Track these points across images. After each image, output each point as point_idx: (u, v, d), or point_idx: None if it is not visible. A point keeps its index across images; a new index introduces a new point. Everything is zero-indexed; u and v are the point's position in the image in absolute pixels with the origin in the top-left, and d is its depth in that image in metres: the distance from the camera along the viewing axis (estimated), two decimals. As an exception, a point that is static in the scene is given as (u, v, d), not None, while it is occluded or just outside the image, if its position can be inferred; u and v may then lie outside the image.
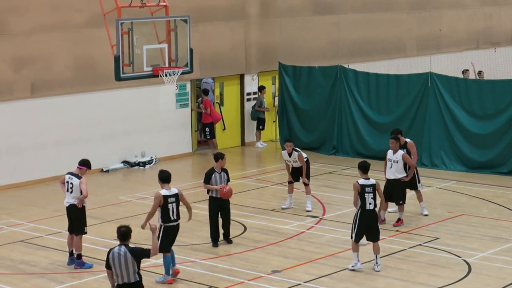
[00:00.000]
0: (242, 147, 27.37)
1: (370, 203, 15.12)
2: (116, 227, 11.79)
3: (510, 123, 22.46)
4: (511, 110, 22.43)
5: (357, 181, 15.23)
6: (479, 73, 29.49)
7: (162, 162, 24.88)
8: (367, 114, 24.95)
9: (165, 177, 14.83)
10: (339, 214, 19.01)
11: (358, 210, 15.17)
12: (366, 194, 15.10)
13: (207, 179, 16.65)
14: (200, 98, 26.29)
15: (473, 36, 34.23)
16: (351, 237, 15.34)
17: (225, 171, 16.84)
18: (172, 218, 14.69)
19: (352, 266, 15.28)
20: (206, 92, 26.17)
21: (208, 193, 16.83)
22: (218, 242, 16.89)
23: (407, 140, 18.69)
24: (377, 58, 29.97)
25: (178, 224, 14.86)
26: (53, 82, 22.71)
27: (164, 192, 14.69)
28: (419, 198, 18.80)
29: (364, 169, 15.44)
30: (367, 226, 15.18)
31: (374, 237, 15.31)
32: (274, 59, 27.30)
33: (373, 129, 24.72)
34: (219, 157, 16.78)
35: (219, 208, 16.79)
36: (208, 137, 25.91)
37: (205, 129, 25.88)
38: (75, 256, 15.75)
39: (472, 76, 28.62)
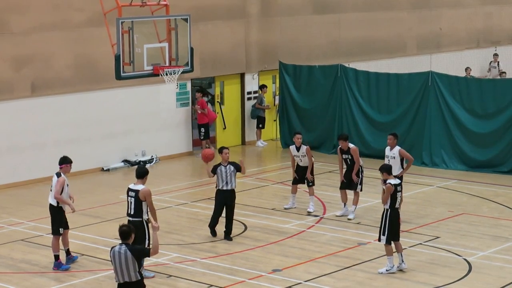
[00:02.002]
0: (243, 146, 27.34)
1: (398, 202, 15.04)
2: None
3: (511, 122, 22.43)
4: (511, 109, 22.42)
5: (389, 183, 14.94)
6: (466, 69, 29.50)
7: (162, 161, 24.88)
8: (367, 113, 24.92)
9: (136, 173, 14.85)
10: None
11: (387, 210, 14.94)
12: (397, 193, 14.99)
13: (213, 172, 17.12)
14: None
15: (473, 35, 34.23)
16: (379, 240, 15.07)
17: (233, 163, 17.15)
18: (127, 212, 14.69)
19: (387, 270, 14.99)
20: (203, 92, 26.11)
21: (216, 186, 17.15)
22: (217, 233, 17.15)
23: (351, 145, 18.54)
24: (377, 57, 29.96)
25: (131, 221, 14.37)
26: (53, 81, 22.70)
27: (130, 185, 14.79)
28: (355, 201, 18.54)
29: (389, 170, 15.24)
30: (396, 225, 15.04)
31: (398, 235, 15.09)
32: (274, 58, 27.28)
33: (373, 128, 24.69)
34: (219, 151, 17.28)
35: (225, 200, 17.06)
36: (202, 138, 25.76)
37: (200, 130, 25.80)
38: (71, 254, 15.78)
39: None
